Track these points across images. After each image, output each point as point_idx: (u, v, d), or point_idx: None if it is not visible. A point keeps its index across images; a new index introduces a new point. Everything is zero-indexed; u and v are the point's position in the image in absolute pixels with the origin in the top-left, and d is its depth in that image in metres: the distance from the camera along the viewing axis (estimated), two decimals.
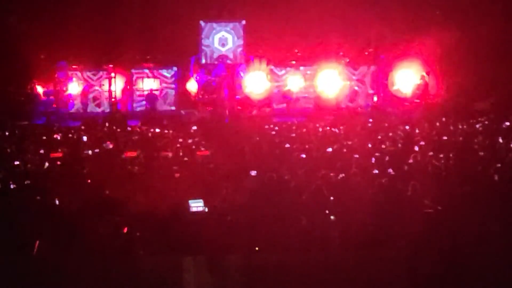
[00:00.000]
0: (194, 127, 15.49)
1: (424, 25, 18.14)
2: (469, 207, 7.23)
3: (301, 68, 19.41)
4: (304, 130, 14.72)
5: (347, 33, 18.81)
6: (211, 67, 19.23)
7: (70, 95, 18.99)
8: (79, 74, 19.27)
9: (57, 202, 7.76)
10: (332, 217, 7.44)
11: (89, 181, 8.97)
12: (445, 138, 12.50)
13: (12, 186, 8.56)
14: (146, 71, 19.46)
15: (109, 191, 7.94)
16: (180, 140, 13.17)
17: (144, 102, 19.23)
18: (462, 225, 6.87)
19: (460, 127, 14.39)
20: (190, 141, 12.97)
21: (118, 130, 15.44)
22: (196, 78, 19.07)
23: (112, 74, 19.07)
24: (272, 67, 19.30)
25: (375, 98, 19.52)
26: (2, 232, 6.65)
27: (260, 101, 18.95)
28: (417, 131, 13.82)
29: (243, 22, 19.42)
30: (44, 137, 13.81)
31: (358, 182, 8.45)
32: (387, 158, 10.29)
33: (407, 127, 14.39)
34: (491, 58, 17.71)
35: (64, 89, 18.89)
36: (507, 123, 14.41)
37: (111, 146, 12.20)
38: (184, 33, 19.03)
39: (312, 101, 19.29)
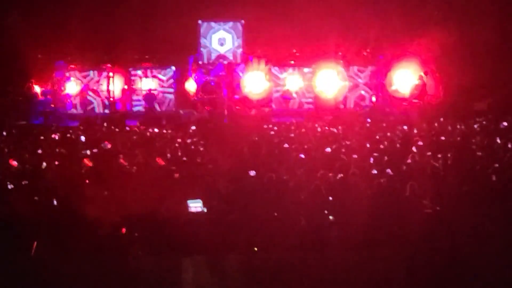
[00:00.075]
0: (193, 127, 15.48)
1: (422, 25, 18.16)
2: (467, 207, 7.24)
3: (300, 68, 19.40)
4: (303, 130, 14.72)
5: (346, 33, 18.82)
6: (210, 66, 19.23)
7: (68, 94, 18.97)
8: (77, 74, 19.24)
9: (55, 202, 7.75)
10: (331, 217, 7.44)
11: (87, 181, 8.96)
12: (443, 138, 12.51)
13: (9, 186, 8.54)
14: (140, 71, 19.39)
15: (107, 191, 7.93)
16: (179, 140, 13.16)
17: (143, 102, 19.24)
18: (460, 225, 6.88)
19: (458, 127, 14.41)
20: (189, 141, 12.96)
21: (117, 130, 15.43)
22: (194, 78, 19.06)
23: (111, 74, 19.05)
24: (271, 67, 19.29)
25: (374, 98, 19.53)
26: (1, 232, 6.64)
27: (259, 101, 18.95)
28: (415, 131, 13.82)
29: (242, 21, 19.42)
30: (42, 137, 13.79)
31: (357, 182, 8.45)
32: (385, 158, 10.29)
33: (405, 127, 14.39)
34: (489, 58, 17.74)
35: (62, 88, 18.87)
36: (505, 123, 14.42)
37: (109, 146, 12.19)
38: (183, 32, 19.02)
39: (311, 101, 19.29)
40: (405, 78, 18.89)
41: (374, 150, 11.03)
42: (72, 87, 19.09)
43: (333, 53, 19.14)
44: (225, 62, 19.20)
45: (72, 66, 19.13)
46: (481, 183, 8.26)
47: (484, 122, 15.10)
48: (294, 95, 19.36)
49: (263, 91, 19.10)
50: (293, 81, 19.41)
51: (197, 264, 6.60)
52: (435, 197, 7.71)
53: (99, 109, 19.29)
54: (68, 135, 14.45)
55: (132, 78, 19.45)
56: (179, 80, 19.46)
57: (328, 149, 11.17)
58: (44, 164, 10.22)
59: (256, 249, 6.86)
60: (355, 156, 10.24)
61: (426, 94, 18.11)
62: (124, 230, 6.99)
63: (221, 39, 19.53)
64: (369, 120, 16.45)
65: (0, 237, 6.60)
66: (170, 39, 18.87)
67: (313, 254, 6.74)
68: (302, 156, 10.64)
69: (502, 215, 6.98)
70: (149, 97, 19.00)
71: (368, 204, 7.43)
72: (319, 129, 14.79)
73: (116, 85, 19.18)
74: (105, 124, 16.50)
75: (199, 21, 19.42)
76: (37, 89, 19.01)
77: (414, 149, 11.07)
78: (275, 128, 15.21)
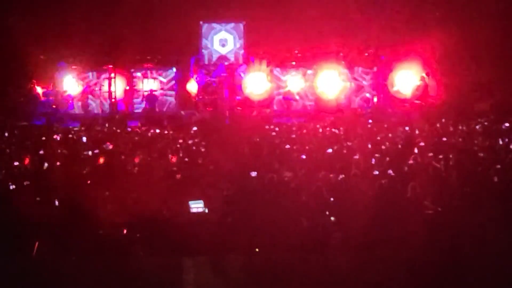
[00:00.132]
0: (194, 128, 15.48)
1: (424, 26, 18.14)
2: (469, 208, 7.23)
3: (301, 69, 19.40)
4: (304, 131, 14.72)
5: (347, 34, 18.81)
6: (211, 67, 19.24)
7: (69, 95, 18.98)
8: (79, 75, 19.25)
9: (56, 203, 7.75)
10: (332, 218, 7.44)
11: (88, 182, 8.96)
12: (444, 139, 12.50)
13: (11, 187, 8.55)
14: (141, 72, 19.40)
15: (108, 192, 7.93)
16: (180, 140, 13.17)
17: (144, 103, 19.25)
18: (462, 226, 6.87)
19: (460, 128, 14.39)
20: (190, 141, 12.96)
21: (118, 130, 15.44)
22: (196, 78, 19.07)
23: (112, 75, 19.06)
24: (272, 68, 19.29)
25: (375, 99, 19.52)
26: (2, 233, 6.64)
27: (260, 102, 18.95)
28: (417, 132, 13.81)
29: (243, 22, 19.42)
30: (44, 138, 13.80)
31: (358, 183, 8.45)
32: (387, 159, 10.29)
33: (407, 128, 14.39)
34: (491, 59, 17.72)
35: (64, 89, 18.88)
36: (507, 124, 14.40)
37: (111, 147, 12.20)
38: (184, 33, 19.03)
39: (313, 102, 19.29)
40: (407, 79, 18.88)
41: (376, 151, 11.02)
42: (73, 88, 19.10)
43: (334, 54, 19.13)
44: (227, 63, 19.21)
45: (74, 67, 19.15)
46: (483, 184, 8.25)
47: (486, 123, 15.07)
48: (296, 96, 19.35)
49: (264, 92, 19.10)
50: (294, 82, 19.40)
51: (199, 264, 6.60)
52: (437, 198, 7.70)
53: (100, 110, 19.30)
54: (70, 135, 14.47)
55: (134, 79, 19.46)
56: (180, 81, 19.46)
57: (330, 150, 11.16)
58: (46, 164, 10.23)
59: (257, 249, 6.86)
60: (356, 157, 10.24)
61: (428, 95, 18.09)
62: (125, 230, 7.00)
63: (222, 40, 19.54)
64: (370, 121, 16.44)
65: (2, 237, 6.61)
66: (172, 40, 18.88)
67: (315, 255, 6.74)
68: (304, 157, 10.64)
69: (504, 216, 6.98)
70: (151, 98, 19.01)
71: (370, 205, 7.42)
72: (320, 130, 14.78)
73: (117, 86, 19.20)
74: (106, 125, 16.51)
75: (201, 22, 19.43)
76: (39, 90, 19.03)
77: (415, 150, 11.06)
78: (277, 129, 15.21)
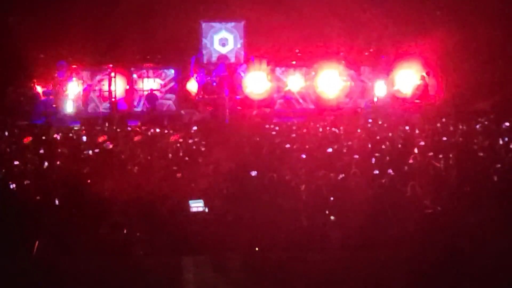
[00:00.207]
0: (195, 127, 15.48)
1: (424, 26, 18.14)
2: (468, 208, 7.23)
3: (302, 68, 19.39)
4: (305, 130, 14.72)
5: (348, 33, 18.80)
6: (212, 67, 19.23)
7: (69, 95, 18.96)
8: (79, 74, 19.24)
9: (56, 202, 7.75)
10: (332, 217, 7.44)
11: (88, 181, 8.96)
12: (445, 138, 12.50)
13: (11, 186, 8.56)
14: (142, 71, 19.37)
15: (108, 191, 7.93)
16: (180, 140, 13.17)
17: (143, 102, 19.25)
18: (461, 225, 6.87)
19: (460, 127, 14.39)
20: (190, 141, 12.96)
21: (118, 130, 15.43)
22: (196, 78, 19.06)
23: (112, 74, 19.05)
24: (273, 67, 19.28)
25: (375, 99, 19.51)
26: (2, 232, 6.65)
27: (260, 102, 18.94)
28: (417, 131, 13.82)
29: (244, 22, 19.41)
30: (44, 137, 13.80)
31: (358, 183, 8.45)
32: (387, 158, 10.29)
33: (407, 128, 14.38)
34: (491, 59, 17.71)
35: (64, 89, 18.88)
36: (507, 124, 14.41)
37: (110, 146, 12.20)
38: (184, 33, 19.02)
39: (313, 101, 19.29)
40: (407, 79, 18.87)
41: (376, 151, 11.02)
42: (74, 88, 19.09)
43: (335, 53, 19.12)
44: (227, 63, 19.19)
45: (74, 66, 19.14)
46: (482, 183, 8.25)
47: (486, 123, 15.08)
48: (296, 95, 19.34)
49: (264, 92, 19.08)
50: (295, 81, 19.40)
51: (198, 263, 6.60)
52: (437, 197, 7.70)
53: (100, 109, 19.29)
54: (70, 135, 14.47)
55: (134, 78, 19.45)
56: (180, 81, 19.45)
57: (330, 150, 11.16)
58: (46, 164, 10.23)
59: (257, 248, 6.86)
60: (356, 156, 10.24)
61: (428, 94, 18.09)
62: (125, 230, 7.00)
63: (222, 40, 19.52)
64: (370, 120, 16.44)
65: (2, 236, 6.61)
66: (172, 39, 18.88)
67: (314, 254, 6.73)
68: (304, 156, 10.64)
69: (504, 215, 6.97)
70: (151, 97, 19.01)
71: (370, 205, 7.42)
72: (320, 130, 14.78)
73: (117, 85, 19.19)
74: (106, 124, 16.50)
75: (201, 22, 19.42)
76: (39, 89, 19.03)
77: (415, 149, 11.06)
78: (277, 128, 15.20)
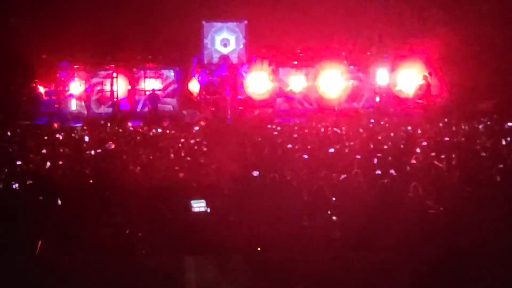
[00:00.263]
0: (196, 127, 15.49)
1: (426, 26, 18.13)
2: (471, 208, 7.21)
3: (304, 68, 19.38)
4: (306, 130, 14.72)
5: (350, 33, 18.80)
6: (213, 67, 19.23)
7: (72, 95, 19.00)
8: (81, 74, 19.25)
9: (59, 202, 7.76)
10: (334, 218, 7.43)
11: (91, 181, 8.98)
12: (447, 138, 12.49)
13: (14, 186, 8.57)
14: (143, 71, 19.36)
15: (111, 191, 7.94)
16: (182, 140, 13.18)
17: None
18: (464, 226, 6.85)
19: (463, 127, 14.38)
20: (192, 141, 12.97)
21: (120, 130, 15.45)
22: (198, 78, 19.07)
23: (114, 74, 19.07)
24: (274, 67, 19.27)
25: (377, 99, 19.49)
26: (4, 232, 6.66)
27: (262, 102, 18.94)
28: (419, 131, 13.80)
29: (245, 22, 19.41)
30: (46, 137, 13.83)
31: (360, 183, 8.44)
32: (389, 158, 10.28)
33: (409, 128, 14.37)
34: (493, 59, 17.69)
35: (66, 89, 18.91)
36: (510, 124, 14.39)
37: (113, 146, 12.21)
38: (186, 33, 19.04)
39: (315, 101, 19.28)
40: (409, 78, 18.85)
41: (378, 151, 11.01)
42: (76, 88, 19.12)
43: (337, 54, 19.11)
44: (228, 63, 19.19)
45: (76, 66, 19.16)
46: (485, 184, 8.23)
47: (488, 123, 15.07)
48: (298, 95, 19.33)
49: (266, 92, 19.08)
50: (296, 81, 19.39)
51: (200, 264, 6.60)
52: (439, 197, 7.69)
53: (102, 109, 19.31)
54: (72, 135, 14.49)
55: (136, 78, 19.46)
56: (182, 81, 19.46)
57: (332, 150, 11.16)
58: (48, 164, 10.25)
59: (259, 249, 6.86)
60: (358, 156, 10.23)
61: (430, 94, 18.07)
62: (127, 230, 7.00)
63: (224, 40, 19.53)
64: (372, 120, 16.42)
65: (5, 236, 6.62)
66: (174, 39, 18.90)
67: (316, 254, 6.73)
68: (305, 156, 10.64)
69: (506, 216, 6.96)
70: (153, 97, 19.02)
71: (372, 205, 7.41)
72: (322, 130, 14.78)
73: (119, 86, 19.21)
74: (108, 124, 16.52)
75: (203, 22, 19.43)
76: (41, 89, 19.06)
77: (418, 149, 11.05)
78: (278, 128, 15.21)
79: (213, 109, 18.25)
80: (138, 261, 6.72)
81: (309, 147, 11.64)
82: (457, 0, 18.49)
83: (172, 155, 11.13)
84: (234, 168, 9.16)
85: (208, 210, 7.42)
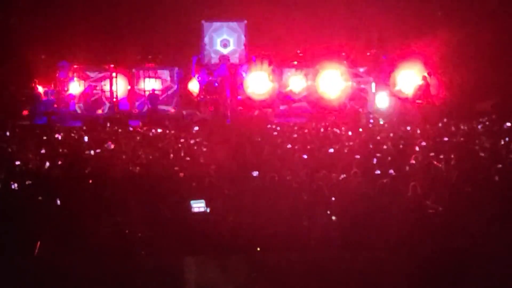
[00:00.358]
0: (196, 128, 15.49)
1: (426, 26, 18.14)
2: (470, 208, 7.22)
3: (303, 68, 19.38)
4: (306, 130, 14.73)
5: (350, 33, 18.80)
6: (213, 67, 19.24)
7: (71, 95, 19.00)
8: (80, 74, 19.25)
9: (58, 202, 7.76)
10: (333, 218, 7.44)
11: (90, 181, 8.97)
12: (446, 139, 12.50)
13: (13, 186, 8.57)
14: (143, 71, 19.37)
15: (110, 191, 7.94)
16: (182, 140, 13.19)
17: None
18: (463, 225, 6.86)
19: (462, 127, 14.39)
20: (192, 141, 12.98)
21: (120, 130, 15.45)
22: (198, 78, 19.07)
23: (114, 74, 19.07)
24: (274, 67, 19.28)
25: (377, 99, 19.48)
26: (3, 232, 6.66)
27: (261, 102, 18.94)
28: (418, 131, 13.82)
29: (245, 22, 19.42)
30: (45, 137, 13.82)
31: (359, 183, 8.45)
32: (388, 158, 10.29)
33: (408, 128, 14.39)
34: (492, 59, 17.70)
35: (65, 89, 18.91)
36: (509, 124, 14.41)
37: (112, 147, 12.21)
38: (186, 33, 19.04)
39: (314, 101, 19.28)
40: (409, 79, 18.86)
41: (377, 151, 11.02)
42: (75, 87, 19.12)
43: (336, 54, 19.12)
44: (228, 63, 19.20)
45: (76, 66, 19.16)
46: (484, 183, 8.24)
47: (487, 123, 15.08)
48: (298, 95, 19.34)
49: (266, 92, 19.09)
50: (296, 81, 19.40)
51: (200, 264, 6.61)
52: (438, 197, 7.70)
53: (102, 109, 19.29)
54: (72, 135, 14.49)
55: (135, 78, 19.46)
56: (182, 81, 19.46)
57: (331, 150, 11.17)
58: (47, 164, 10.24)
59: (259, 249, 6.87)
60: (358, 156, 10.24)
61: (430, 94, 18.08)
62: (126, 230, 7.00)
63: (224, 41, 19.54)
64: (372, 120, 16.43)
65: (4, 236, 6.62)
66: (173, 39, 18.90)
67: (316, 254, 6.73)
68: (305, 156, 10.65)
69: (505, 216, 6.97)
70: (152, 97, 19.02)
71: (371, 205, 7.42)
72: (322, 130, 14.79)
73: (119, 86, 19.20)
74: (108, 124, 16.52)
75: (203, 22, 19.44)
76: (41, 89, 19.05)
77: (417, 149, 11.06)
78: (278, 128, 15.22)
79: (213, 109, 18.25)
80: (138, 261, 6.72)
81: (308, 147, 11.65)
82: (456, 0, 18.50)
83: (171, 155, 11.13)
84: (233, 168, 9.17)
85: (208, 210, 7.43)
